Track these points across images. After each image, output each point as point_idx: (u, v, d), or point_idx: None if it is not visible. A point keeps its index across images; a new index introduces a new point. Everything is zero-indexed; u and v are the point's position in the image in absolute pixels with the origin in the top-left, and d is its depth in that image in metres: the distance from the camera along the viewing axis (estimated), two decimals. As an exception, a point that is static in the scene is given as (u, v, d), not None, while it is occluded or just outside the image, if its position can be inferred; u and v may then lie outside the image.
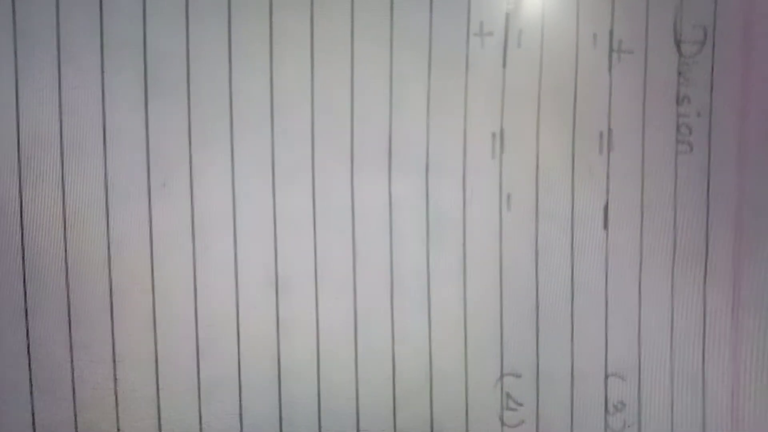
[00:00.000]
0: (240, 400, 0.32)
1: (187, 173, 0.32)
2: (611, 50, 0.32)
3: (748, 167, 0.33)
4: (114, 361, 0.32)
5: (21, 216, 0.31)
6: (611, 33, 0.32)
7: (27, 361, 0.32)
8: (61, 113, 0.32)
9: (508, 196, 0.33)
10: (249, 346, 0.32)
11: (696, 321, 0.33)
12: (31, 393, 0.32)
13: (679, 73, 0.33)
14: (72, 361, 0.32)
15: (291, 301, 0.32)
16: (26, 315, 0.32)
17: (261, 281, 0.32)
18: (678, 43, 0.33)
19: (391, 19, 0.32)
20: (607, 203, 0.33)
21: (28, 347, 0.32)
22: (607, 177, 0.33)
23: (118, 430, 0.32)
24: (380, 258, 0.32)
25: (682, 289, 0.33)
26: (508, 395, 0.33)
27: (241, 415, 0.32)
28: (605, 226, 0.33)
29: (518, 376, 0.33)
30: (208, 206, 0.32)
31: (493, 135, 0.32)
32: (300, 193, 0.32)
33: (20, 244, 0.31)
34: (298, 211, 0.32)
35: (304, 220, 0.32)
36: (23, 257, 0.32)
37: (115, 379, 0.32)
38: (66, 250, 0.32)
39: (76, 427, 0.32)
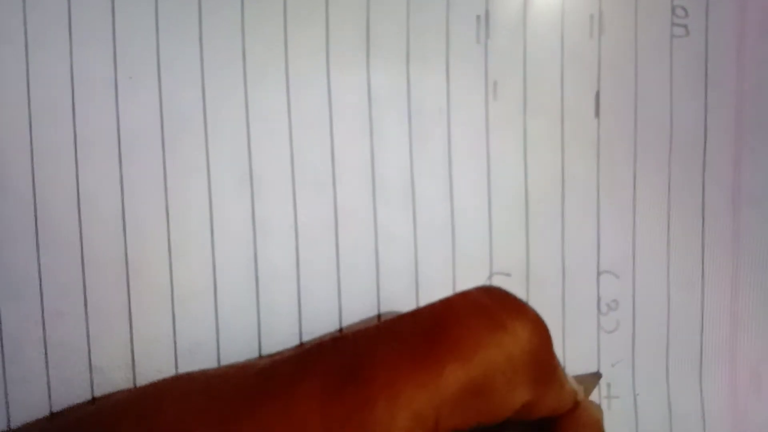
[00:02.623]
0: (216, 307, 0.31)
1: (154, 65, 0.30)
2: (602, -76, 0.30)
3: (748, 51, 0.31)
4: (82, 264, 0.30)
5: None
6: None
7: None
8: (24, 5, 0.30)
9: (495, 84, 0.31)
10: (224, 249, 0.31)
11: (694, 215, 0.31)
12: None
13: (675, -51, 0.31)
14: (39, 264, 0.30)
15: (267, 200, 0.31)
16: (-13, 218, 0.30)
17: (235, 178, 0.31)
18: None
19: None
20: (599, 91, 0.31)
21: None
22: (599, 63, 0.31)
23: (88, 338, 0.31)
24: (360, 154, 0.31)
25: (679, 182, 0.31)
26: (497, 295, 0.31)
27: (217, 322, 0.31)
28: (597, 114, 0.31)
29: (507, 275, 0.31)
30: (177, 100, 0.30)
31: (478, 18, 0.30)
32: (273, 86, 0.30)
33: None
34: (272, 105, 0.30)
35: (278, 115, 0.31)
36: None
37: (84, 285, 0.30)
38: (32, 150, 0.30)
39: (45, 341, 0.31)
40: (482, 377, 0.21)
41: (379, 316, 0.31)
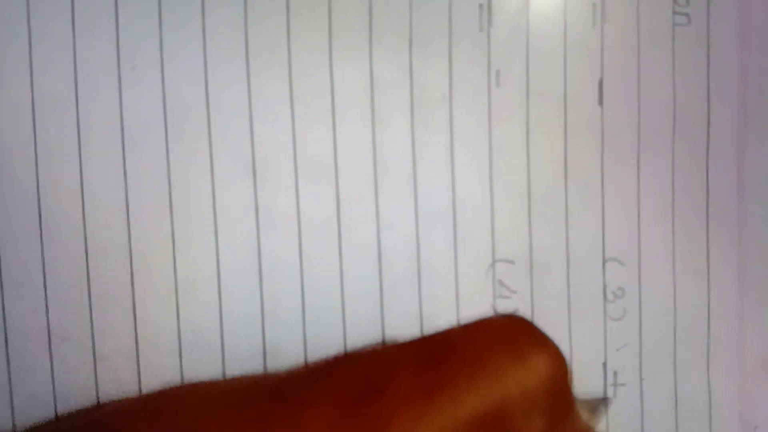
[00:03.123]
0: (219, 296, 0.31)
1: (158, 56, 0.30)
2: None
3: (750, 38, 0.31)
4: (86, 254, 0.30)
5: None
6: None
7: (-7, 254, 0.30)
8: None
9: (497, 72, 0.31)
10: (227, 238, 0.31)
11: (698, 201, 0.31)
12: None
13: (676, -64, 0.31)
14: (42, 254, 0.30)
15: (270, 189, 0.31)
16: (-8, 208, 0.30)
17: (238, 168, 0.31)
18: None
19: None
20: (602, 78, 0.31)
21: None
22: (601, 51, 0.31)
23: (92, 327, 0.31)
24: (362, 141, 0.31)
25: (683, 168, 0.31)
26: (501, 283, 0.31)
27: (221, 311, 0.31)
28: (600, 102, 0.31)
29: (511, 262, 0.31)
30: (180, 90, 0.30)
31: (480, 6, 0.31)
32: (276, 76, 0.31)
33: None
34: (275, 94, 0.31)
35: (281, 105, 0.31)
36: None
37: (88, 274, 0.30)
38: (35, 141, 0.30)
39: (48, 330, 0.31)
40: (499, 406, 0.20)
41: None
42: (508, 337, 0.22)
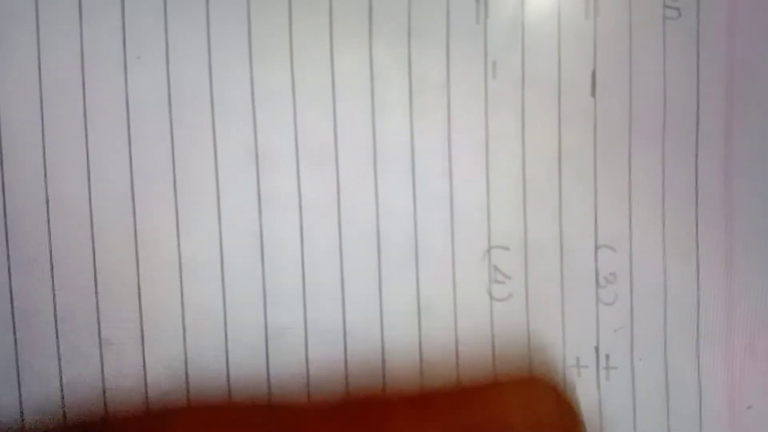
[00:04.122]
0: (222, 279, 0.32)
1: (163, 44, 0.31)
2: None
3: (738, 31, 0.32)
4: (92, 237, 0.31)
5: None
6: None
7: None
8: (33, -11, 0.31)
9: (494, 63, 0.32)
10: (230, 222, 0.31)
11: (688, 189, 0.32)
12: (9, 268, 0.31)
13: (666, -68, 0.32)
14: (49, 236, 0.31)
15: (272, 174, 0.31)
16: (3, 192, 0.31)
17: (240, 155, 0.31)
18: None
19: None
20: (595, 69, 0.32)
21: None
22: (594, 43, 0.32)
23: (98, 309, 0.31)
24: (362, 130, 0.32)
25: (673, 157, 0.32)
26: (496, 268, 0.32)
27: (224, 293, 0.32)
28: (593, 92, 0.32)
29: (506, 248, 0.32)
30: (184, 78, 0.31)
31: (476, -2, 0.31)
32: (278, 64, 0.31)
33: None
34: (277, 83, 0.31)
35: (282, 93, 0.31)
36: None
37: (94, 257, 0.31)
38: (43, 126, 0.31)
39: (55, 312, 0.31)
40: None
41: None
42: (530, 402, 0.21)
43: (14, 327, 0.31)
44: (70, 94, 0.31)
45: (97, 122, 0.31)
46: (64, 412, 0.32)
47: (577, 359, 0.32)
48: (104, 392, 0.31)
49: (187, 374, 0.32)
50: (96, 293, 0.31)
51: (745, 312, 0.32)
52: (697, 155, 0.32)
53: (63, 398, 0.32)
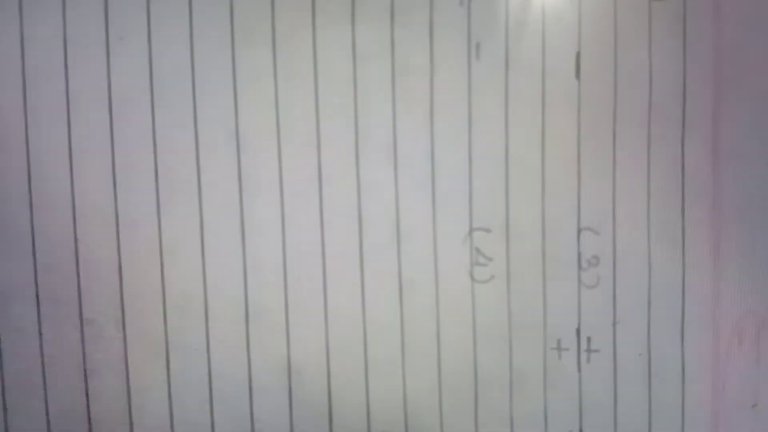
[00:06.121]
0: (203, 261, 0.32)
1: (144, 26, 0.31)
2: None
3: (725, 14, 0.32)
4: (74, 220, 0.31)
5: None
6: None
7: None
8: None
9: (477, 45, 0.31)
10: (211, 203, 0.31)
11: (674, 173, 0.32)
12: None
13: None
14: (32, 219, 0.31)
15: (253, 155, 0.31)
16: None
17: (221, 138, 0.31)
18: None
19: None
20: (579, 52, 0.32)
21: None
22: (579, 24, 0.32)
23: (79, 291, 0.32)
24: (344, 111, 0.32)
25: (659, 141, 0.32)
26: (478, 250, 0.32)
27: (204, 274, 0.32)
28: (577, 75, 0.32)
29: (488, 230, 0.32)
30: (165, 59, 0.31)
31: (459, -21, 0.31)
32: (260, 46, 0.31)
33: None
34: (259, 64, 0.31)
35: (264, 73, 0.31)
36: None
37: (76, 240, 0.31)
38: (26, 108, 0.31)
39: (37, 294, 0.32)
40: None
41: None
42: None
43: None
44: (53, 75, 0.31)
45: (80, 104, 0.31)
46: (45, 392, 0.32)
47: (558, 342, 0.32)
48: (85, 372, 0.32)
49: (167, 353, 0.32)
50: (78, 276, 0.32)
51: (732, 297, 0.32)
52: (683, 138, 0.32)
53: (45, 377, 0.32)
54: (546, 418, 0.32)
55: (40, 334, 0.32)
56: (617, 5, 0.32)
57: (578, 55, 0.32)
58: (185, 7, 0.31)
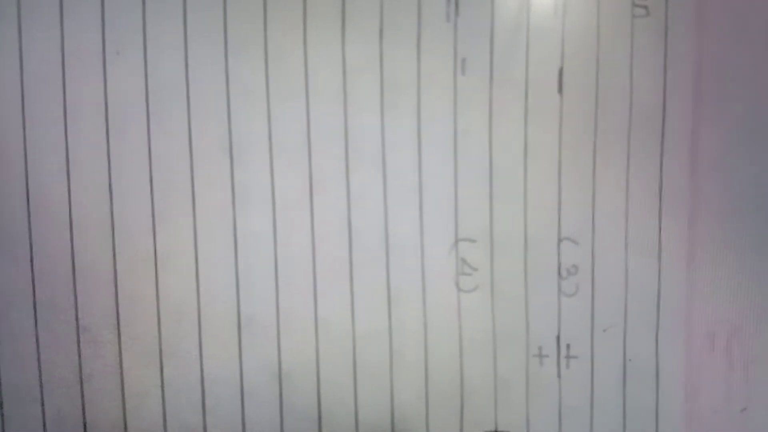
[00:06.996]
0: (197, 269, 0.33)
1: (140, 40, 0.32)
2: None
3: (706, 31, 0.33)
4: (71, 228, 0.32)
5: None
6: None
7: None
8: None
9: (463, 61, 0.32)
10: (205, 214, 0.32)
11: (652, 186, 0.33)
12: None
13: (634, -67, 0.32)
14: (30, 227, 0.32)
15: (246, 167, 0.32)
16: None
17: (215, 147, 0.32)
18: None
19: None
20: (562, 67, 0.33)
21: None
22: (562, 40, 0.33)
23: (75, 298, 0.32)
24: (334, 124, 0.32)
25: (639, 154, 0.33)
26: (464, 260, 0.33)
27: (198, 283, 0.33)
28: (560, 90, 0.33)
29: (473, 240, 0.33)
30: (161, 73, 0.32)
31: (446, -3, 0.32)
32: (252, 60, 0.32)
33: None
34: (251, 79, 0.32)
35: (257, 87, 0.32)
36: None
37: (72, 248, 0.32)
38: (24, 120, 0.32)
39: (34, 301, 0.32)
40: None
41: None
42: None
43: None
44: (50, 88, 0.32)
45: (77, 116, 0.32)
46: (42, 397, 0.33)
47: (540, 349, 0.33)
48: (81, 377, 0.33)
49: (161, 359, 0.33)
50: (74, 283, 0.32)
51: (705, 306, 0.33)
52: (662, 152, 0.33)
53: (41, 382, 0.33)
54: (528, 423, 0.33)
55: (37, 340, 0.32)
56: (600, 22, 0.33)
57: (561, 71, 0.33)
58: (180, 22, 0.32)
